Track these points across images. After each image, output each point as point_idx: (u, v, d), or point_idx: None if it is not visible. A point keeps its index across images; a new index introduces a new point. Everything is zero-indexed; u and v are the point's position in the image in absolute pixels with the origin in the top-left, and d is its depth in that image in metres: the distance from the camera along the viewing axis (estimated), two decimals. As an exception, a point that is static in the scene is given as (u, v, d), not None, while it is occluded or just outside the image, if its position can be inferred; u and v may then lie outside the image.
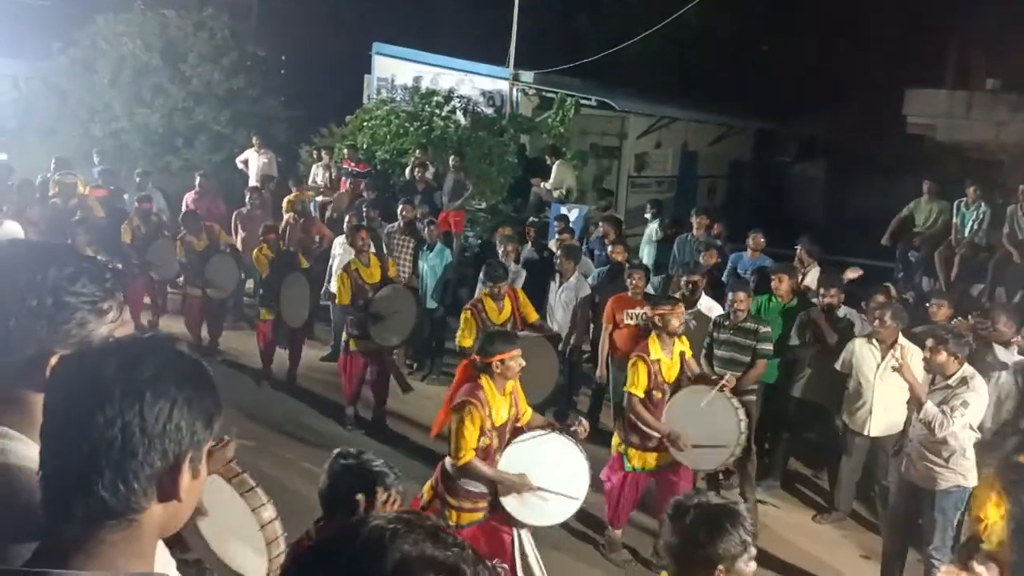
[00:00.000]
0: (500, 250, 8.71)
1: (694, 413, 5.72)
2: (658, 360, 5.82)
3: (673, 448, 5.73)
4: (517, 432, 4.96)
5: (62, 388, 1.25)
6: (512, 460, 4.84)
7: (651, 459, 5.92)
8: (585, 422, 5.10)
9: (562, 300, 8.00)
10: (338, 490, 3.24)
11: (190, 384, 1.27)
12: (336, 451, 3.38)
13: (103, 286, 1.53)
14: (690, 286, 7.23)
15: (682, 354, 6.03)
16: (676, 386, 5.92)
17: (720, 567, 2.53)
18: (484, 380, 4.76)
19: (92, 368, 1.24)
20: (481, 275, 7.16)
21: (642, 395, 5.77)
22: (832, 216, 17.30)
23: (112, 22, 15.34)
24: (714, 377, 6.03)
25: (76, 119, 15.31)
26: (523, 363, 4.83)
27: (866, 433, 6.34)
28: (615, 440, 6.12)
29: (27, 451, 1.43)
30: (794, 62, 18.62)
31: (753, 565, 2.61)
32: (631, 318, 7.38)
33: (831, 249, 10.12)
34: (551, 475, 4.81)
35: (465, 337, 6.83)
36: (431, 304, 9.02)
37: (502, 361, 4.72)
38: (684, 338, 6.10)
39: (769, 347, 6.63)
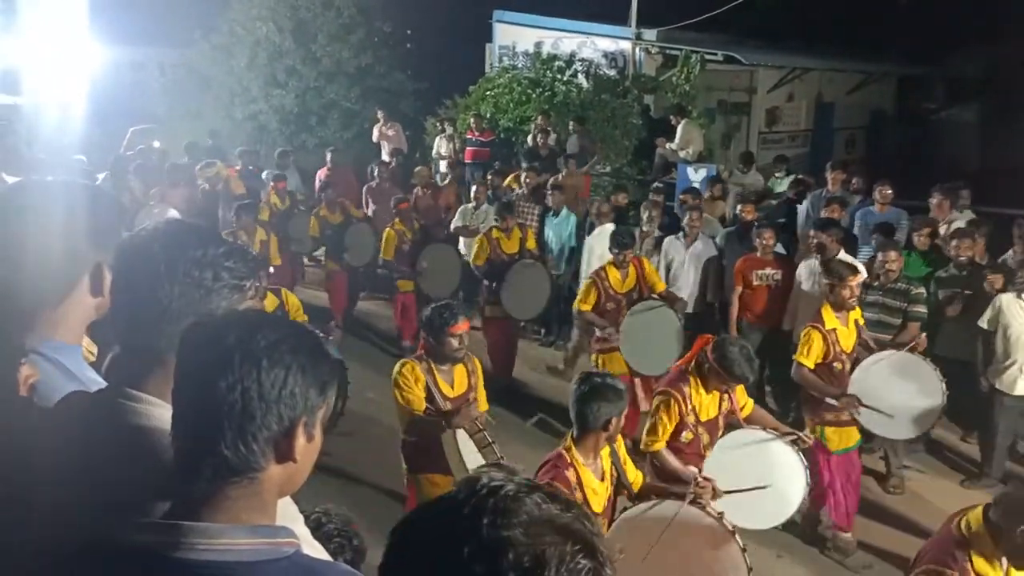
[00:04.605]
0: (644, 215, 8.55)
1: (889, 379, 5.34)
2: (834, 329, 5.42)
3: (851, 409, 5.32)
4: (734, 426, 4.70)
5: (189, 356, 1.35)
6: (715, 459, 4.51)
7: (852, 433, 5.48)
8: (810, 436, 4.83)
9: (691, 258, 7.84)
10: (589, 408, 3.64)
11: (304, 353, 1.35)
12: (582, 373, 3.79)
13: (248, 266, 1.64)
14: (816, 244, 6.90)
15: (856, 322, 5.65)
16: (856, 357, 5.53)
17: None
18: (692, 375, 4.59)
19: (215, 337, 1.33)
20: (608, 242, 7.11)
21: (811, 366, 5.37)
22: (989, 164, 16.01)
23: (247, 6, 16.03)
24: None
25: (219, 102, 16.16)
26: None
27: (1017, 393, 5.95)
28: (808, 426, 5.56)
29: (165, 415, 1.55)
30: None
31: None
32: (762, 279, 7.17)
33: (988, 200, 9.37)
34: (757, 477, 4.37)
35: (583, 302, 6.82)
36: (559, 269, 9.04)
37: (724, 383, 4.54)
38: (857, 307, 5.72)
39: (922, 309, 6.24)
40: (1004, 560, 2.81)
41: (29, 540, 1.46)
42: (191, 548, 1.26)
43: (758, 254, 7.20)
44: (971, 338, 6.34)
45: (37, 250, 1.73)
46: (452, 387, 4.62)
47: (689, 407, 4.54)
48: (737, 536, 3.79)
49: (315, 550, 1.57)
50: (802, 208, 9.73)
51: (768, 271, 7.16)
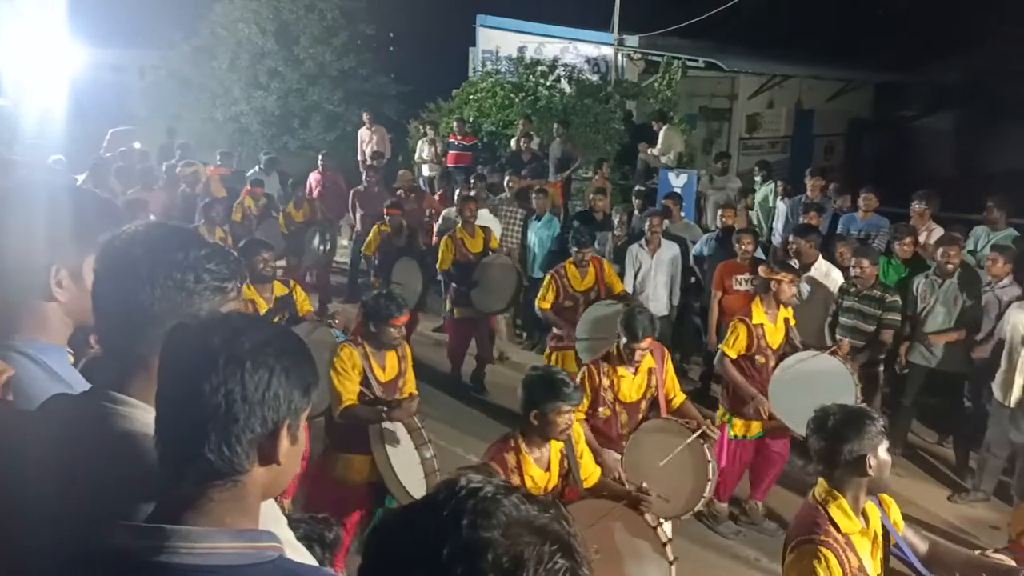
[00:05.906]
0: (616, 219, 8.64)
1: (806, 378, 5.47)
2: (760, 324, 5.70)
3: (757, 415, 5.61)
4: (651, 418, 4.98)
5: (173, 358, 1.35)
6: (632, 447, 4.80)
7: (755, 425, 5.77)
8: (716, 429, 4.99)
9: (658, 264, 7.86)
10: (527, 399, 3.77)
11: (288, 356, 1.35)
12: (531, 366, 3.90)
13: (230, 267, 1.64)
14: (792, 250, 6.94)
15: (786, 320, 5.85)
16: (781, 354, 5.74)
17: (870, 457, 2.81)
18: (612, 352, 4.92)
19: (199, 339, 1.32)
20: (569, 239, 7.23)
21: (734, 356, 5.71)
22: (966, 172, 16.14)
23: (229, 8, 15.95)
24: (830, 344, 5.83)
25: (199, 105, 16.07)
26: (645, 358, 4.91)
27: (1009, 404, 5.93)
28: (719, 412, 5.98)
29: (148, 418, 1.54)
30: (918, 6, 17.42)
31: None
32: (741, 284, 7.22)
33: (965, 208, 9.42)
34: (664, 472, 4.59)
35: (543, 300, 7.00)
36: (539, 274, 9.02)
37: (632, 350, 4.82)
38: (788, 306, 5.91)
39: (896, 317, 6.32)
40: (858, 513, 2.92)
41: (9, 545, 1.45)
42: (174, 552, 1.25)
43: (738, 259, 7.24)
44: (961, 349, 6.44)
45: (16, 251, 1.73)
46: (384, 370, 4.77)
47: (605, 383, 4.85)
48: (668, 549, 3.90)
49: (299, 554, 1.57)
50: (781, 212, 9.83)
51: (746, 276, 7.20)
